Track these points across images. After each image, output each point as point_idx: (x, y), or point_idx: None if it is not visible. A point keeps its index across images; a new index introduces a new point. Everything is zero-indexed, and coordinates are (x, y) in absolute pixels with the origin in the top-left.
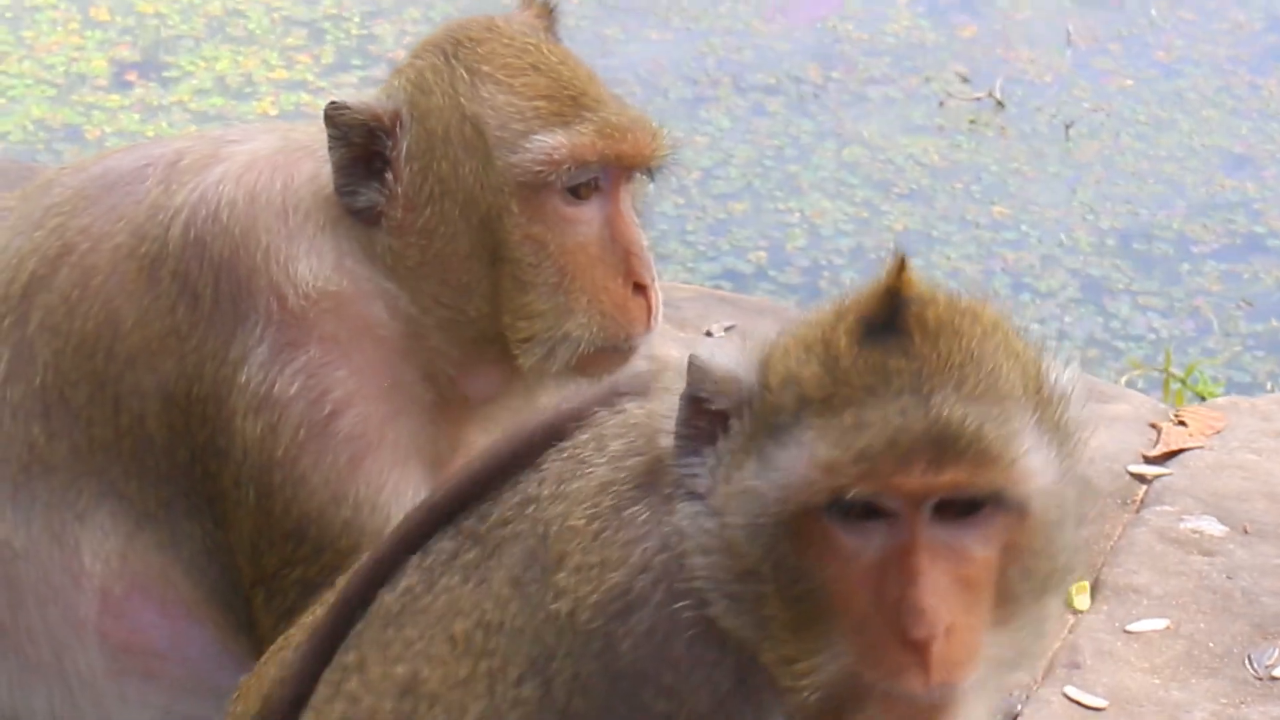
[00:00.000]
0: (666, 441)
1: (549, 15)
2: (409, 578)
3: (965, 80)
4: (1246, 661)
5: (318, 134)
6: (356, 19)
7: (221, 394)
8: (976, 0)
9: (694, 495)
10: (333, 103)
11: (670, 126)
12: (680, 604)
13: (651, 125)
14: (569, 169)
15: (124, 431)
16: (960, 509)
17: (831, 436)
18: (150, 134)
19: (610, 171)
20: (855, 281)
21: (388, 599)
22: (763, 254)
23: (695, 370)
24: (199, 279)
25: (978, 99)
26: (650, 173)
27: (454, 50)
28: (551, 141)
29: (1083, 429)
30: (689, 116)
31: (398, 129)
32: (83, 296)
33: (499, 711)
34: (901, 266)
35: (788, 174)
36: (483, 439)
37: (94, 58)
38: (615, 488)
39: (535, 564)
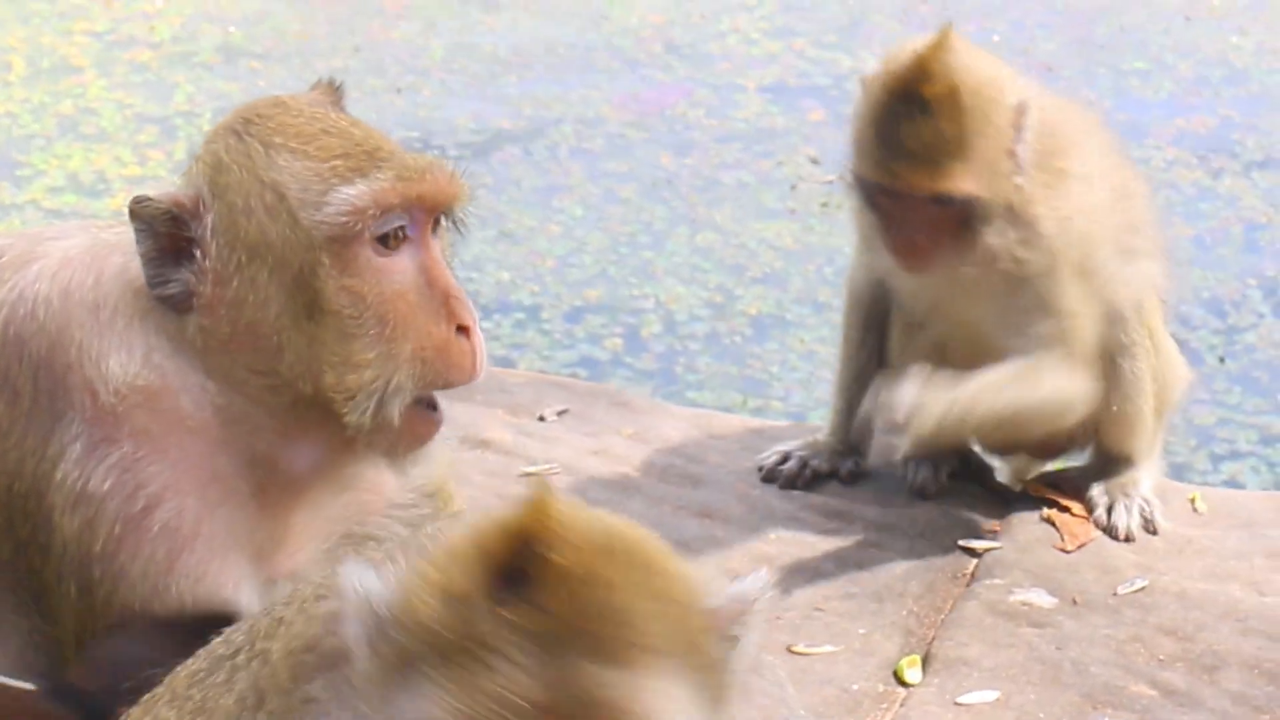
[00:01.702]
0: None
1: (335, 93)
2: (202, 662)
3: (816, 163)
4: None
5: (124, 230)
6: (208, 115)
7: (41, 490)
8: (824, 86)
9: None
10: (135, 197)
11: (523, 211)
12: None
13: (447, 167)
14: (374, 215)
15: None
16: None
17: (453, 695)
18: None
19: (415, 217)
20: (705, 366)
21: (181, 675)
22: (618, 341)
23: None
24: (18, 376)
25: (829, 181)
26: (453, 218)
27: (244, 128)
28: (353, 192)
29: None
30: (542, 205)
31: (200, 209)
32: None
33: None
34: (542, 505)
35: (642, 260)
36: (309, 522)
37: None
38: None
39: (255, 692)
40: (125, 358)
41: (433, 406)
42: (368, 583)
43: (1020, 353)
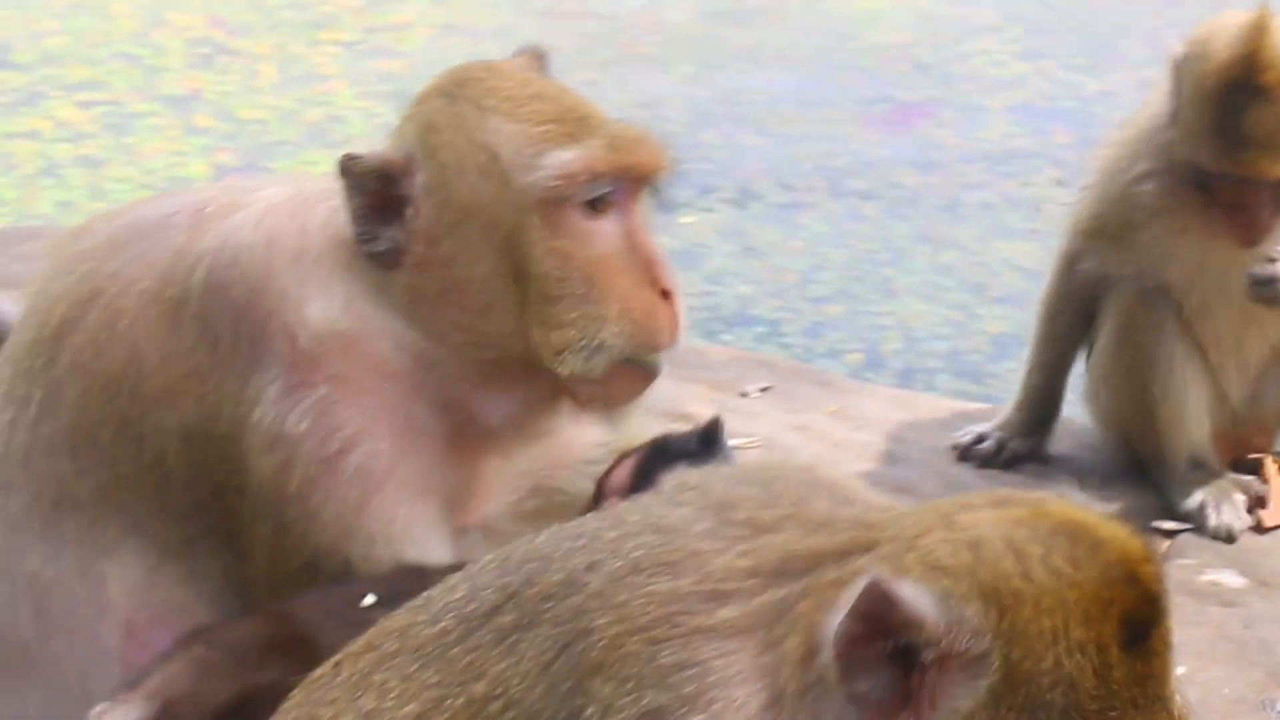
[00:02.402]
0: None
1: (540, 60)
2: (447, 619)
3: (1061, 184)
4: (1262, 707)
5: (328, 184)
6: None
7: (238, 433)
8: (1069, 107)
9: None
10: (346, 155)
11: (766, 227)
12: None
13: (655, 140)
14: (585, 180)
15: (147, 469)
16: None
17: None
18: None
19: (623, 185)
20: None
21: (424, 633)
22: (859, 356)
23: (896, 608)
24: (219, 322)
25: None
26: (658, 188)
27: (457, 91)
28: (566, 157)
29: None
30: (785, 221)
31: (412, 168)
32: (110, 339)
33: None
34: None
35: (883, 277)
36: (499, 473)
37: (195, 163)
38: (713, 638)
39: (567, 658)
40: (326, 304)
41: (645, 366)
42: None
43: None
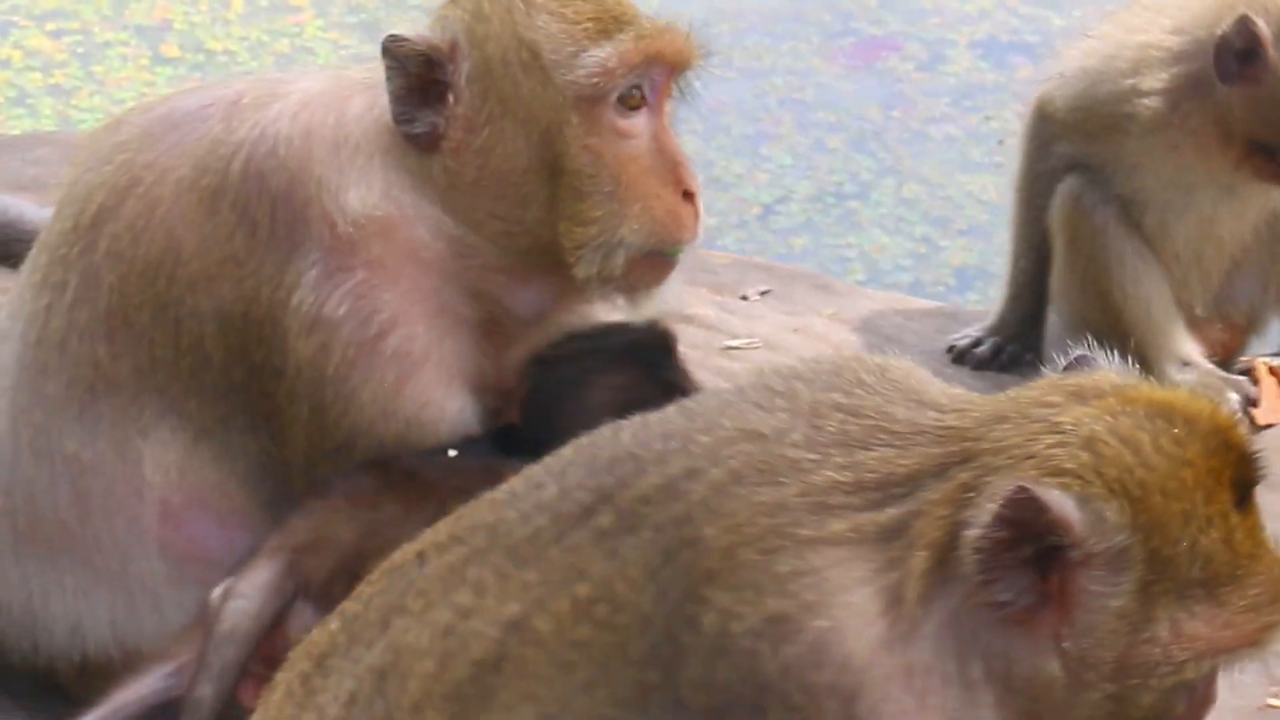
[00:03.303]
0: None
1: None
2: (540, 518)
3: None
4: None
5: (367, 74)
6: None
7: (276, 316)
8: (1033, 42)
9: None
10: (391, 35)
11: (732, 160)
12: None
13: (683, 29)
14: (620, 75)
15: (184, 352)
16: None
17: (1247, 608)
18: None
19: (653, 77)
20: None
21: (517, 531)
22: None
23: (1045, 514)
24: (257, 209)
25: None
26: (685, 81)
27: None
28: (602, 54)
29: None
30: (750, 153)
31: (457, 55)
32: (147, 225)
33: (611, 683)
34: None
35: (847, 210)
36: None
37: (164, 92)
38: (825, 549)
39: (676, 566)
40: (364, 191)
41: (665, 255)
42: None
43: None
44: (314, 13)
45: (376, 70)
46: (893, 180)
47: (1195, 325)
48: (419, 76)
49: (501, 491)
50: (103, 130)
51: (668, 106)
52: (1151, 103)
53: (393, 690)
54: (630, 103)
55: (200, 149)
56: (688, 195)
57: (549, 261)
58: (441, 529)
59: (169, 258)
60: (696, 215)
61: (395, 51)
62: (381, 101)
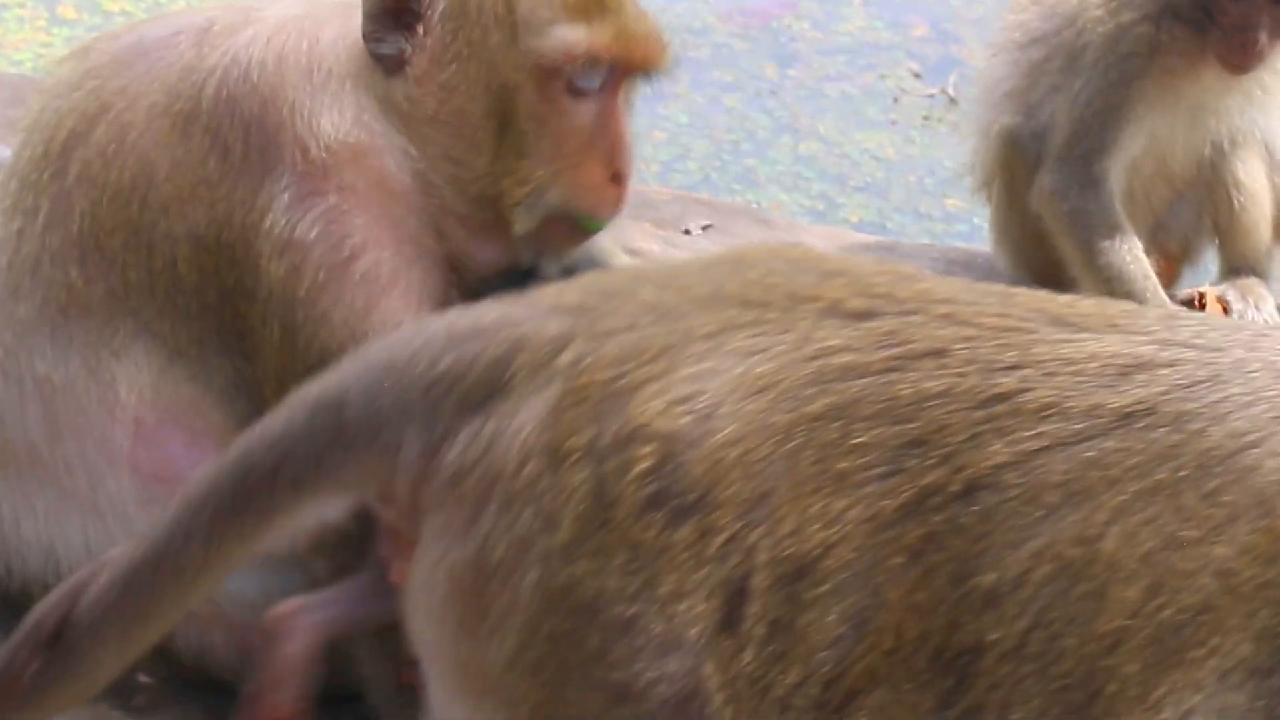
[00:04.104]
0: None
1: None
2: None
3: (918, 77)
4: None
5: (338, 1)
6: None
7: (248, 239)
8: (927, 1)
9: None
10: None
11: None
12: None
13: (664, 38)
14: (584, 63)
15: (157, 275)
16: None
17: None
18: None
19: (615, 71)
20: None
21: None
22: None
23: None
24: (229, 133)
25: (931, 95)
26: (651, 78)
27: None
28: (573, 36)
29: None
30: (648, 111)
31: None
32: (119, 150)
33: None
34: None
35: (745, 168)
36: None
37: (61, 55)
38: None
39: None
40: (337, 117)
41: (580, 225)
42: None
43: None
44: None
45: None
46: (789, 138)
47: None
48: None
49: None
50: (70, 57)
51: (625, 90)
52: (1142, 30)
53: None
54: (588, 82)
55: (172, 75)
56: (617, 177)
57: (494, 216)
58: None
59: (141, 182)
60: (620, 197)
61: None
62: (354, 26)
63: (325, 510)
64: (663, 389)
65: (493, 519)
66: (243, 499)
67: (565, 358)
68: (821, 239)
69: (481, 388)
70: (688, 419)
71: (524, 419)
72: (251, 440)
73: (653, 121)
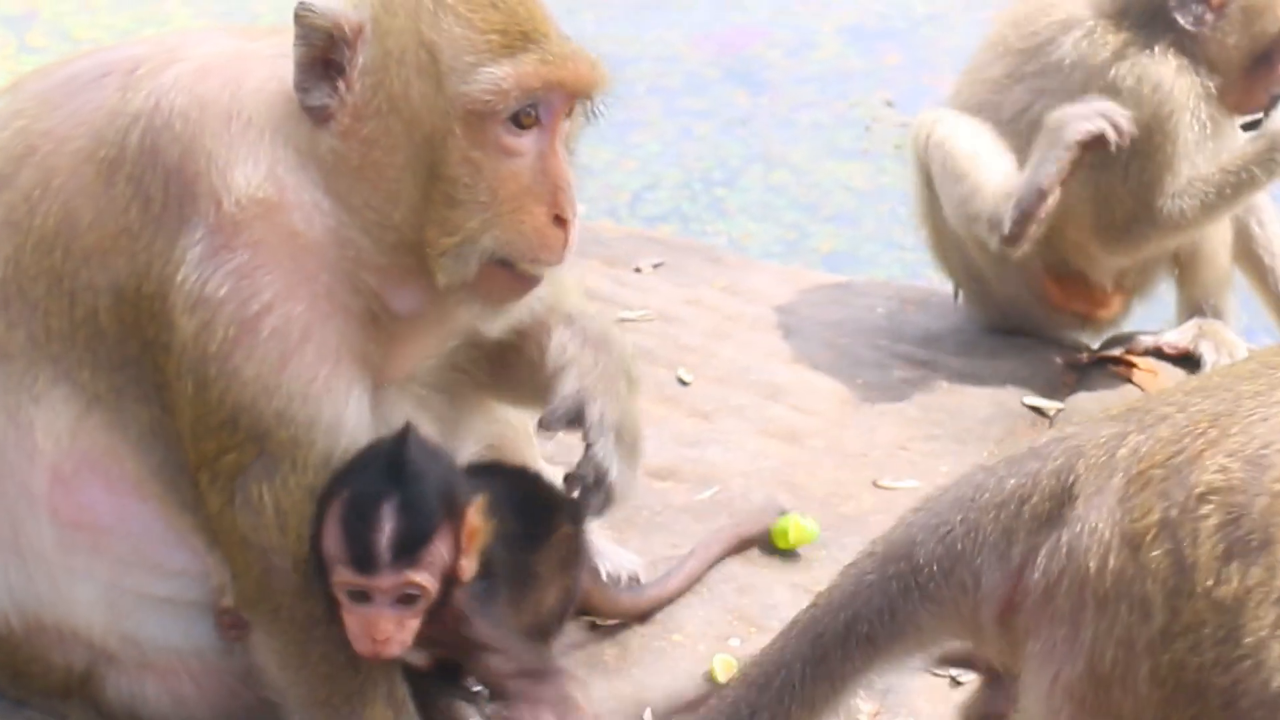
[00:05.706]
0: None
1: None
2: None
3: (890, 105)
4: None
5: (277, 40)
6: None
7: (165, 292)
8: (899, 28)
9: None
10: (302, 2)
11: (599, 147)
12: None
13: (590, 56)
14: (515, 97)
15: (79, 324)
16: None
17: None
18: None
19: (551, 101)
20: None
21: None
22: None
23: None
24: (151, 182)
25: (903, 124)
26: (589, 107)
27: None
28: (499, 73)
29: None
30: (618, 140)
31: (359, 42)
32: (43, 195)
33: None
34: None
35: (715, 197)
36: (415, 354)
37: None
38: None
39: None
40: (251, 169)
41: (524, 275)
42: None
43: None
44: (180, 1)
45: (284, 39)
46: (760, 167)
47: None
48: (322, 50)
49: None
50: None
51: (565, 126)
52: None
53: None
54: (523, 121)
55: (98, 119)
56: (560, 220)
57: (416, 262)
58: None
59: (65, 229)
60: (565, 241)
61: (302, 20)
62: (282, 73)
63: (902, 664)
64: (1218, 451)
65: (1092, 626)
66: (816, 665)
67: (1123, 451)
68: (774, 277)
69: (1049, 500)
70: (1242, 467)
71: (1095, 518)
72: (818, 607)
73: (623, 150)
